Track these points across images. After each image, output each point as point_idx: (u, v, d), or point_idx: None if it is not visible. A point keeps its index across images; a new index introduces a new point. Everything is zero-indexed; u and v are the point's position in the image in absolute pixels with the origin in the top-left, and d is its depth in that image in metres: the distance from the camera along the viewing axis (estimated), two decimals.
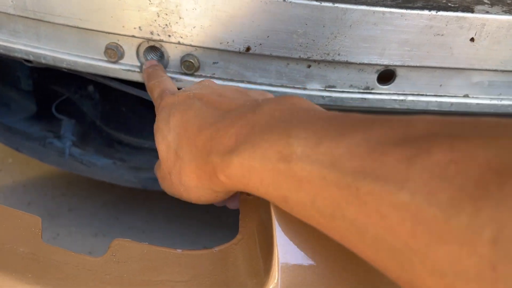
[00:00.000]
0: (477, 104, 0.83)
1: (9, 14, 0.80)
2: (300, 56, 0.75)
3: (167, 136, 0.47)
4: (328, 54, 0.75)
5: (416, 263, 0.25)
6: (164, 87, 0.61)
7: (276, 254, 0.46)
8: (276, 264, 0.47)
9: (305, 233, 0.46)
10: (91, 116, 1.16)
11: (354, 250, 0.32)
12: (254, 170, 0.35)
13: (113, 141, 1.13)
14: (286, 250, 0.48)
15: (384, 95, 0.81)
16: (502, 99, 0.83)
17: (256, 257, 0.53)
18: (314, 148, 0.31)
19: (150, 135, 1.16)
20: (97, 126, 1.15)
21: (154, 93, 0.61)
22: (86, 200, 1.70)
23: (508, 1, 0.78)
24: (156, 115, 0.54)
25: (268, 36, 0.74)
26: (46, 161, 1.14)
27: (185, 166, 0.44)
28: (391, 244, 0.26)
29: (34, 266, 0.49)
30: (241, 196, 0.56)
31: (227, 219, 1.67)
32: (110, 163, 1.13)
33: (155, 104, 0.58)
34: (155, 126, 0.53)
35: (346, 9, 0.71)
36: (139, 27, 0.75)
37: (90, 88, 1.12)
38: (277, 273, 0.46)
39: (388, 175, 0.26)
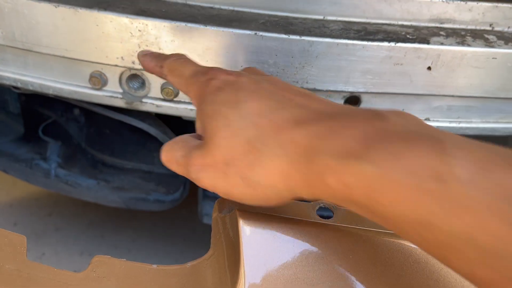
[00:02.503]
0: (437, 126, 0.89)
1: None
2: None
3: (235, 122, 0.40)
4: (297, 82, 0.81)
5: None
6: (195, 63, 0.52)
7: (243, 270, 0.51)
8: (243, 279, 0.52)
9: (271, 250, 0.52)
10: (76, 138, 1.20)
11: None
12: (390, 183, 0.29)
13: (98, 162, 1.18)
14: (252, 266, 0.52)
15: None
16: (460, 121, 0.90)
17: (224, 272, 0.57)
18: (481, 174, 0.27)
19: (133, 156, 1.22)
20: (82, 148, 1.20)
21: (184, 70, 0.50)
22: (72, 220, 1.73)
23: (462, 33, 0.85)
24: (204, 96, 0.44)
25: (241, 66, 0.80)
26: (33, 182, 1.18)
27: (266, 160, 0.38)
28: None
29: (19, 282, 0.53)
30: (213, 214, 0.61)
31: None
32: (95, 184, 1.17)
33: (190, 83, 0.48)
34: (207, 108, 0.43)
35: (312, 41, 0.77)
36: (122, 57, 0.81)
37: (76, 111, 1.17)
38: (243, 287, 0.51)
39: None
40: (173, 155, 0.47)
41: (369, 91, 0.83)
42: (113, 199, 1.16)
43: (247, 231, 0.54)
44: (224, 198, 0.54)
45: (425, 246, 0.30)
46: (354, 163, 0.32)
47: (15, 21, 0.81)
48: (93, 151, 1.18)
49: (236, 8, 0.84)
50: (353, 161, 0.32)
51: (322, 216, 0.59)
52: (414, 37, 0.81)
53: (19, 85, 0.89)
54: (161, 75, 0.55)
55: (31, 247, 1.62)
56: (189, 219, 1.73)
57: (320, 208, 0.60)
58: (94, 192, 1.16)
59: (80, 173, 1.18)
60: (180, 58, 0.54)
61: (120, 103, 0.87)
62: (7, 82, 0.90)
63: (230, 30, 0.77)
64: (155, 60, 0.57)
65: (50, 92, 0.88)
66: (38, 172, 1.19)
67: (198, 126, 0.49)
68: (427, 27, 0.86)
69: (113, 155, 1.16)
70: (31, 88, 0.89)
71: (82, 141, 1.19)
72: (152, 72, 0.58)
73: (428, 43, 0.80)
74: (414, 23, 0.86)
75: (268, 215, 0.57)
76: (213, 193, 1.13)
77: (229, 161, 0.41)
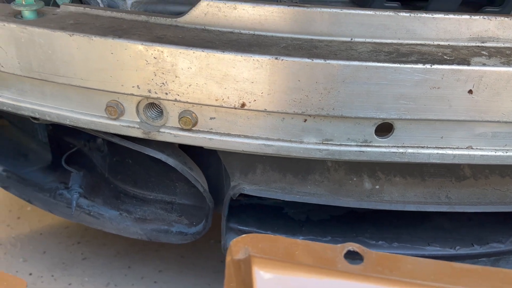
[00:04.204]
0: (481, 156, 0.80)
1: (17, 75, 0.83)
2: (294, 111, 0.75)
3: None
4: (322, 109, 0.74)
5: None
6: None
7: None
8: None
9: None
10: (99, 168, 1.18)
11: None
12: None
13: (120, 193, 1.15)
14: None
15: (383, 148, 0.79)
16: (507, 150, 0.80)
17: None
18: None
19: (155, 187, 1.18)
20: (105, 177, 1.17)
21: None
22: (100, 249, 1.71)
23: (507, 52, 0.77)
24: None
25: (262, 93, 0.74)
26: (56, 212, 1.16)
27: None
28: None
29: None
30: (227, 258, 0.56)
31: None
32: (117, 215, 1.14)
33: None
34: None
35: (338, 65, 0.71)
36: (138, 86, 0.77)
37: (99, 140, 1.15)
38: None
39: None
40: None
41: (403, 117, 0.75)
42: (135, 231, 1.11)
43: (263, 279, 0.48)
44: (239, 239, 0.49)
45: None
46: None
47: (32, 51, 0.79)
48: (115, 181, 1.15)
49: (256, 32, 0.80)
50: None
51: (350, 261, 0.52)
52: (452, 58, 0.74)
53: (37, 115, 0.87)
54: None
55: (58, 277, 1.60)
56: (218, 250, 1.68)
57: (349, 252, 0.53)
58: (116, 224, 1.12)
59: (102, 204, 1.15)
60: None
61: (137, 133, 0.83)
62: (25, 113, 0.88)
63: (250, 55, 0.72)
64: None
65: (67, 122, 0.86)
66: (61, 202, 1.17)
67: None
68: (467, 47, 0.79)
69: (136, 185, 1.13)
70: (48, 118, 0.87)
71: (105, 170, 1.17)
72: None
73: (468, 64, 0.72)
74: (451, 43, 0.79)
75: (286, 261, 0.51)
76: (237, 225, 1.05)
77: None
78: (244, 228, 1.05)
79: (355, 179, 1.01)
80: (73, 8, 0.85)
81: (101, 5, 0.96)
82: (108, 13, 0.84)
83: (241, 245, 0.55)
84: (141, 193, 1.13)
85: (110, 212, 1.14)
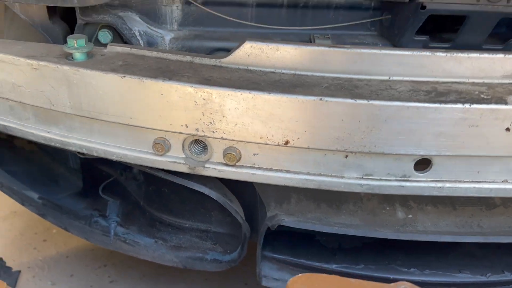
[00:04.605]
0: None
1: (66, 113, 0.87)
2: (337, 148, 0.78)
3: None
4: (364, 146, 0.77)
5: None
6: None
7: None
8: None
9: None
10: (135, 196, 1.21)
11: None
12: None
13: (155, 221, 1.18)
14: None
15: (422, 182, 0.82)
16: None
17: None
18: None
19: (191, 215, 1.20)
20: (140, 206, 1.20)
21: None
22: (126, 272, 1.73)
23: None
24: None
25: (305, 131, 0.77)
26: (92, 240, 1.19)
27: None
28: None
29: None
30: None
31: None
32: (152, 242, 1.16)
33: None
34: None
35: (381, 105, 0.74)
36: (186, 125, 0.81)
37: (135, 170, 1.18)
38: None
39: None
40: None
41: (442, 154, 0.78)
42: (170, 258, 1.14)
43: None
44: (296, 280, 0.52)
45: None
46: None
47: (83, 91, 0.83)
48: (151, 209, 1.18)
49: (298, 72, 0.83)
50: None
51: None
52: (489, 96, 0.77)
53: (84, 151, 0.91)
54: None
55: None
56: (243, 273, 1.69)
57: None
58: (151, 251, 1.15)
59: (138, 231, 1.18)
60: None
61: (183, 168, 0.86)
62: (73, 149, 0.92)
63: (294, 96, 0.75)
64: None
65: (114, 158, 0.89)
66: (97, 230, 1.20)
67: None
68: (501, 84, 0.82)
69: (171, 213, 1.16)
70: (95, 154, 0.90)
71: (140, 199, 1.20)
72: None
73: (506, 103, 0.75)
74: (486, 81, 0.82)
75: None
76: (271, 253, 1.06)
77: None
78: (279, 256, 1.07)
79: (388, 208, 1.03)
80: (120, 49, 0.89)
81: (141, 42, 1.00)
82: (154, 54, 0.88)
83: (298, 285, 0.57)
84: (176, 221, 1.16)
85: (146, 239, 1.17)
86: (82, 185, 1.42)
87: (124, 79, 0.79)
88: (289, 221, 0.93)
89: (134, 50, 0.89)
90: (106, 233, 1.19)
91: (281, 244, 1.11)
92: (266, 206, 1.00)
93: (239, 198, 1.07)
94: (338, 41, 1.01)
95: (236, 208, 0.95)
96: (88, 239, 1.20)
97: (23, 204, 1.30)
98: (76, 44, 0.83)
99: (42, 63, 0.83)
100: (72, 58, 0.85)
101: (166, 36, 1.04)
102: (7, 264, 1.72)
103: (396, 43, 0.97)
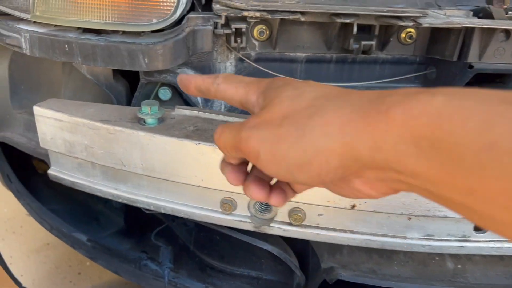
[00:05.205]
0: None
1: (137, 173, 0.92)
2: (402, 212, 0.82)
3: (303, 88, 0.44)
4: (428, 211, 0.81)
5: None
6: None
7: None
8: None
9: None
10: (184, 241, 1.24)
11: None
12: (460, 108, 0.31)
13: (206, 266, 1.21)
14: None
15: (481, 242, 0.86)
16: None
17: None
18: None
19: (242, 262, 1.24)
20: (189, 250, 1.24)
21: (242, 78, 0.51)
22: None
23: None
24: (273, 81, 0.48)
25: None
26: (144, 284, 1.22)
27: (326, 110, 0.39)
28: None
29: None
30: None
31: None
32: (203, 287, 1.20)
33: (252, 81, 0.49)
34: (277, 83, 0.47)
35: None
36: None
37: None
38: None
39: None
40: (227, 125, 0.47)
41: None
42: None
43: None
44: None
45: (488, 172, 0.29)
46: (422, 95, 0.33)
47: (157, 155, 0.87)
48: (201, 254, 1.22)
49: None
50: (422, 95, 0.33)
51: None
52: None
53: (151, 208, 0.95)
54: (211, 85, 0.52)
55: None
56: None
57: None
58: None
59: (188, 276, 1.22)
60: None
61: (248, 226, 0.90)
62: (140, 205, 0.96)
63: None
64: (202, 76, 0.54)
65: (181, 215, 0.93)
66: (147, 274, 1.23)
67: (258, 102, 0.47)
68: None
69: (222, 260, 1.20)
70: (163, 211, 0.94)
71: (190, 243, 1.24)
72: (200, 85, 0.53)
73: None
74: None
75: None
76: None
77: (288, 114, 0.41)
78: None
79: (437, 258, 1.07)
80: (188, 112, 0.94)
81: (199, 98, 1.05)
82: (221, 117, 0.92)
83: None
84: (227, 267, 1.20)
85: (196, 284, 1.20)
86: (123, 224, 1.45)
87: (199, 146, 0.84)
88: (346, 275, 0.97)
89: (201, 114, 0.93)
90: (157, 277, 1.22)
91: None
92: (320, 257, 1.03)
93: (290, 245, 1.11)
94: None
95: (295, 263, 0.98)
96: (139, 283, 1.24)
97: (73, 247, 1.34)
98: (150, 111, 0.88)
99: (117, 128, 0.88)
100: (145, 122, 0.90)
101: None
102: None
103: None
